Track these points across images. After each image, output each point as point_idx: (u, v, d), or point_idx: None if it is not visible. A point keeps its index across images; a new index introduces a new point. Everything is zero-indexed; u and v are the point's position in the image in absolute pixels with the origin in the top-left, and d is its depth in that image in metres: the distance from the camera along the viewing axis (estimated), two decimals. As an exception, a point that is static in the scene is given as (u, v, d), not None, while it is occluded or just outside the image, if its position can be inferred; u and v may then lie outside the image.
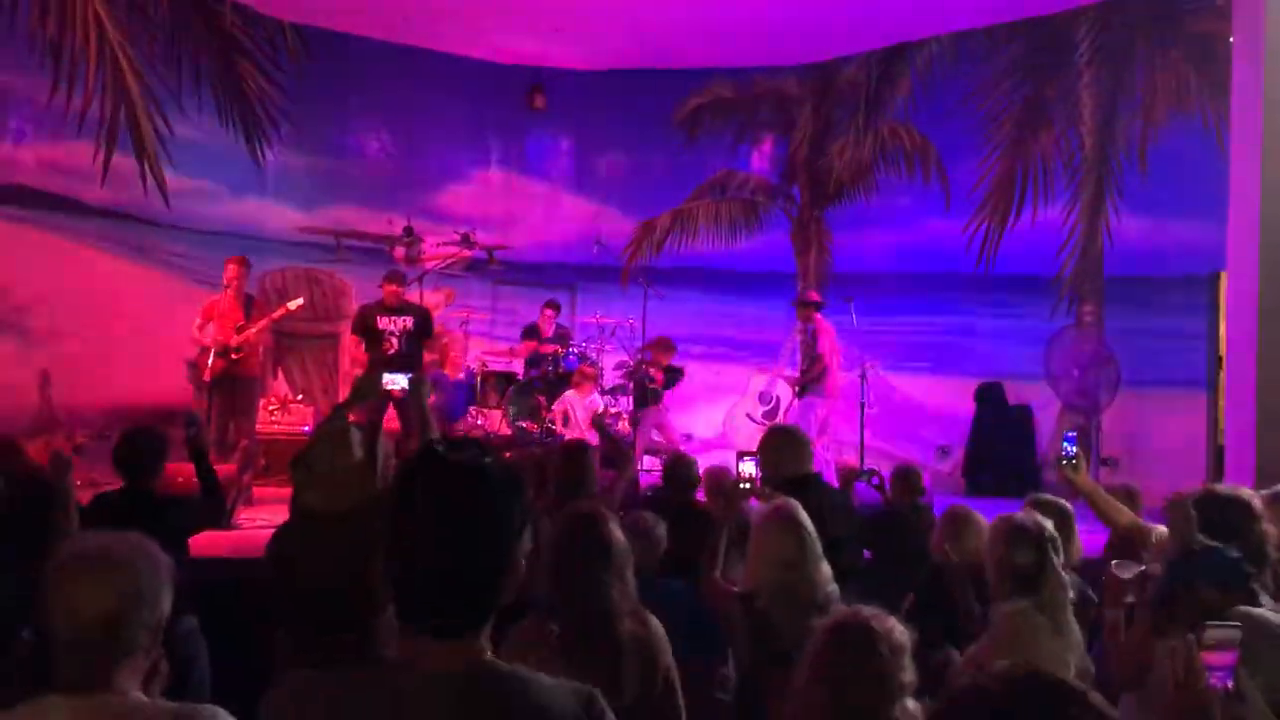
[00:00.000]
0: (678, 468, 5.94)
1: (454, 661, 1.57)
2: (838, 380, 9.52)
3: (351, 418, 4.39)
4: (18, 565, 3.91)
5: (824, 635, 2.61)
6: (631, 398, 10.28)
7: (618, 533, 3.25)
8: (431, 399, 5.01)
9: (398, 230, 12.15)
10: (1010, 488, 9.69)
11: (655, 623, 3.28)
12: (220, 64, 11.26)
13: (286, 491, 7.48)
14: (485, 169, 13.06)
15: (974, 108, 11.64)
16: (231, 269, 8.68)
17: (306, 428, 9.86)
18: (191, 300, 9.27)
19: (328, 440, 3.94)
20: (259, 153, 11.59)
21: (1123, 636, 3.29)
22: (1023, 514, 3.61)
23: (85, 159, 10.16)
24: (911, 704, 2.52)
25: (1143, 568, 3.37)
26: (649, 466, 9.57)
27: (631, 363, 10.39)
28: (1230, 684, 2.24)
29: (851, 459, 9.54)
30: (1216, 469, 9.11)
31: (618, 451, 5.70)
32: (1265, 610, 3.02)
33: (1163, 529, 4.30)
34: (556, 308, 11.07)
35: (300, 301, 9.02)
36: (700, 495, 5.92)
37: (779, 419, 10.16)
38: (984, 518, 4.68)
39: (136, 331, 9.96)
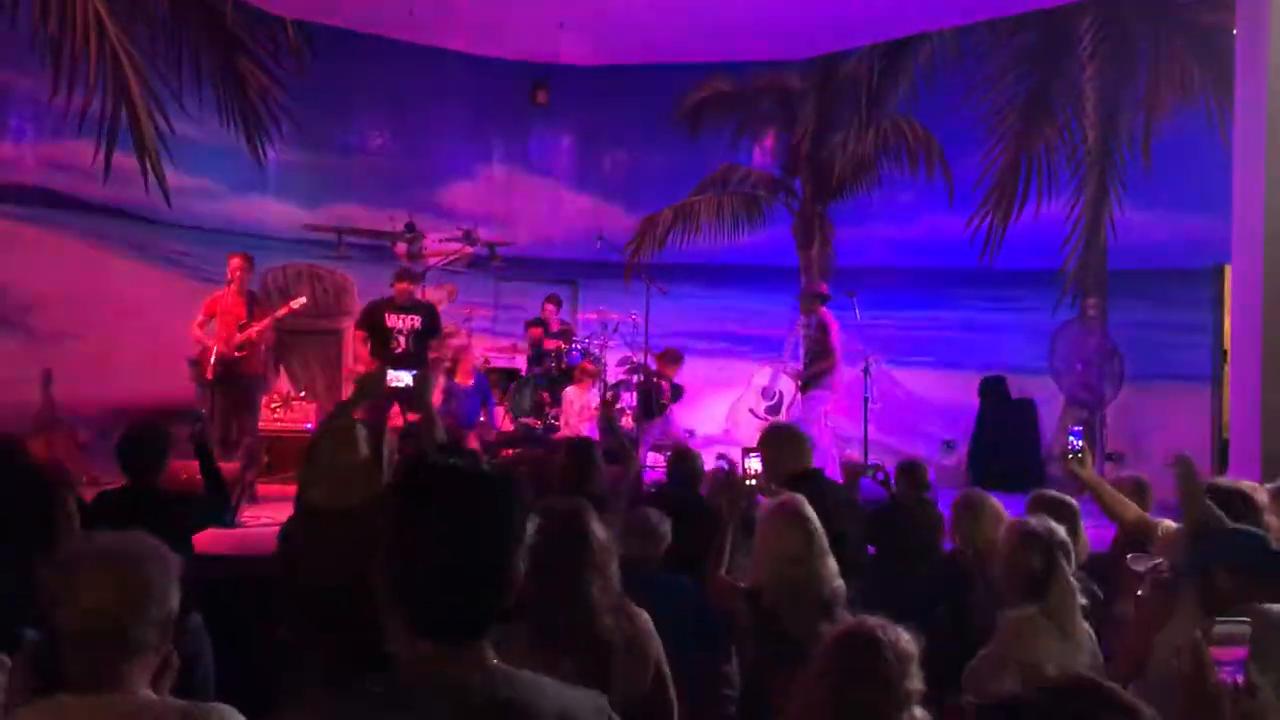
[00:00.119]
0: (681, 463, 5.93)
1: (465, 668, 1.57)
2: (842, 374, 9.52)
3: (357, 415, 4.38)
4: (18, 565, 3.91)
5: (830, 644, 2.61)
6: (638, 409, 10.26)
7: (598, 528, 3.23)
8: (437, 399, 5.02)
9: (399, 227, 12.14)
10: (1014, 482, 9.67)
11: (644, 617, 3.27)
12: (221, 61, 11.25)
13: (290, 489, 7.48)
14: (487, 165, 13.05)
15: (976, 101, 11.61)
16: (235, 265, 8.66)
17: (309, 425, 9.86)
18: (193, 298, 9.26)
19: (333, 437, 3.93)
20: (260, 150, 11.58)
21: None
22: (1034, 519, 3.60)
23: (86, 157, 10.15)
24: (920, 713, 2.51)
25: (1157, 561, 3.37)
26: (653, 463, 9.56)
27: (641, 376, 10.39)
28: (1240, 678, 2.23)
29: (855, 454, 9.53)
30: (1221, 463, 9.10)
31: (621, 447, 5.68)
32: (1276, 605, 3.00)
33: (1169, 523, 4.30)
34: (558, 302, 11.05)
35: (304, 300, 9.02)
36: (703, 490, 5.91)
37: (782, 414, 10.15)
38: (999, 503, 4.69)
39: (138, 329, 9.96)
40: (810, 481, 4.49)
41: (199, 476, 5.01)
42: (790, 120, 13.05)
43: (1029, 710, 1.31)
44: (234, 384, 8.38)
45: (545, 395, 10.31)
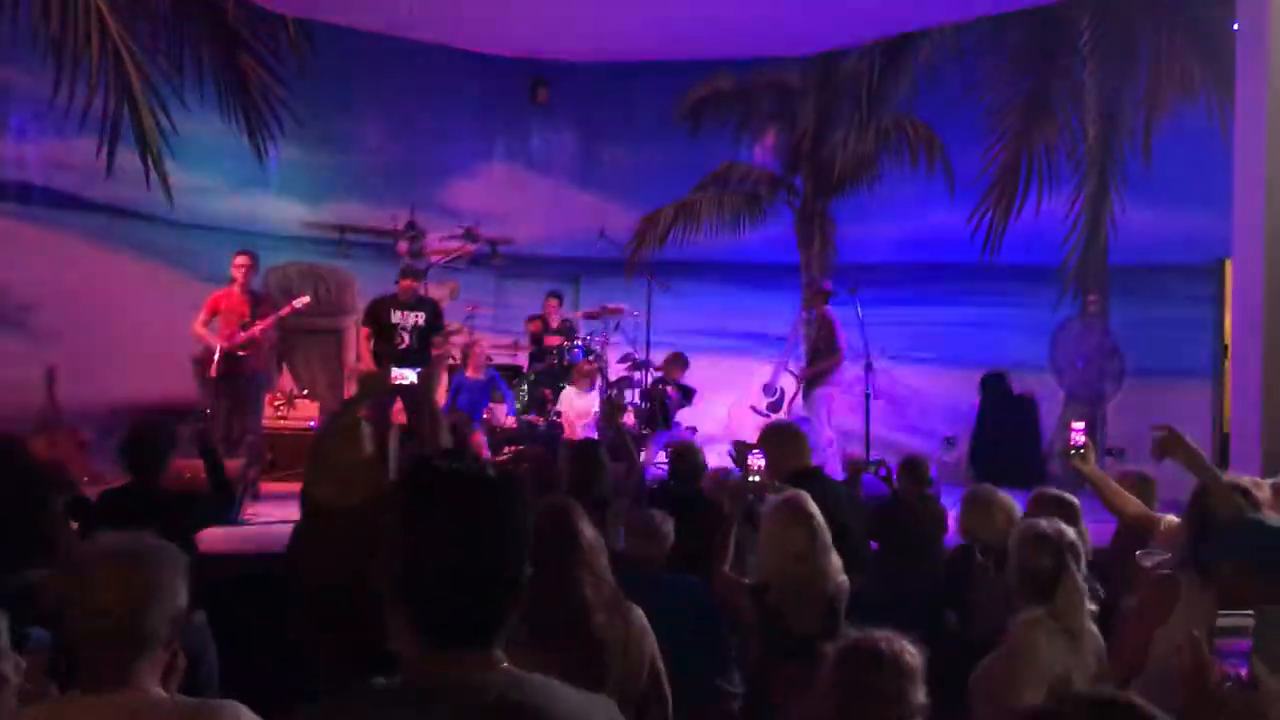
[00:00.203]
0: (683, 457, 5.94)
1: (472, 671, 1.56)
2: (844, 371, 9.54)
3: (361, 413, 4.39)
4: (18, 565, 3.94)
5: (836, 659, 2.62)
6: (647, 415, 10.29)
7: (587, 526, 3.25)
8: (441, 396, 5.04)
9: (401, 225, 12.15)
10: (1015, 479, 9.67)
11: (638, 615, 3.29)
12: (223, 59, 11.25)
13: (293, 487, 7.48)
14: (488, 163, 13.05)
15: (977, 98, 11.61)
16: (239, 264, 8.66)
17: (312, 423, 9.87)
18: (195, 296, 9.27)
19: (338, 435, 3.94)
20: (262, 148, 11.58)
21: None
22: (1044, 521, 3.61)
23: (88, 155, 10.16)
24: None
25: (1166, 556, 3.38)
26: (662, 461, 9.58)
27: (645, 380, 10.40)
28: (1244, 670, 2.24)
29: (856, 450, 9.54)
30: (1221, 458, 9.10)
31: (624, 446, 5.70)
32: None
33: (1171, 518, 4.31)
34: (559, 299, 11.05)
35: (307, 299, 9.03)
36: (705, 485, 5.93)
37: (784, 411, 10.15)
38: (1009, 498, 4.70)
39: (141, 328, 9.96)
40: (812, 478, 4.50)
41: (202, 475, 5.02)
42: (791, 118, 13.05)
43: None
44: (237, 382, 8.40)
45: (547, 392, 10.32)
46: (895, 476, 6.15)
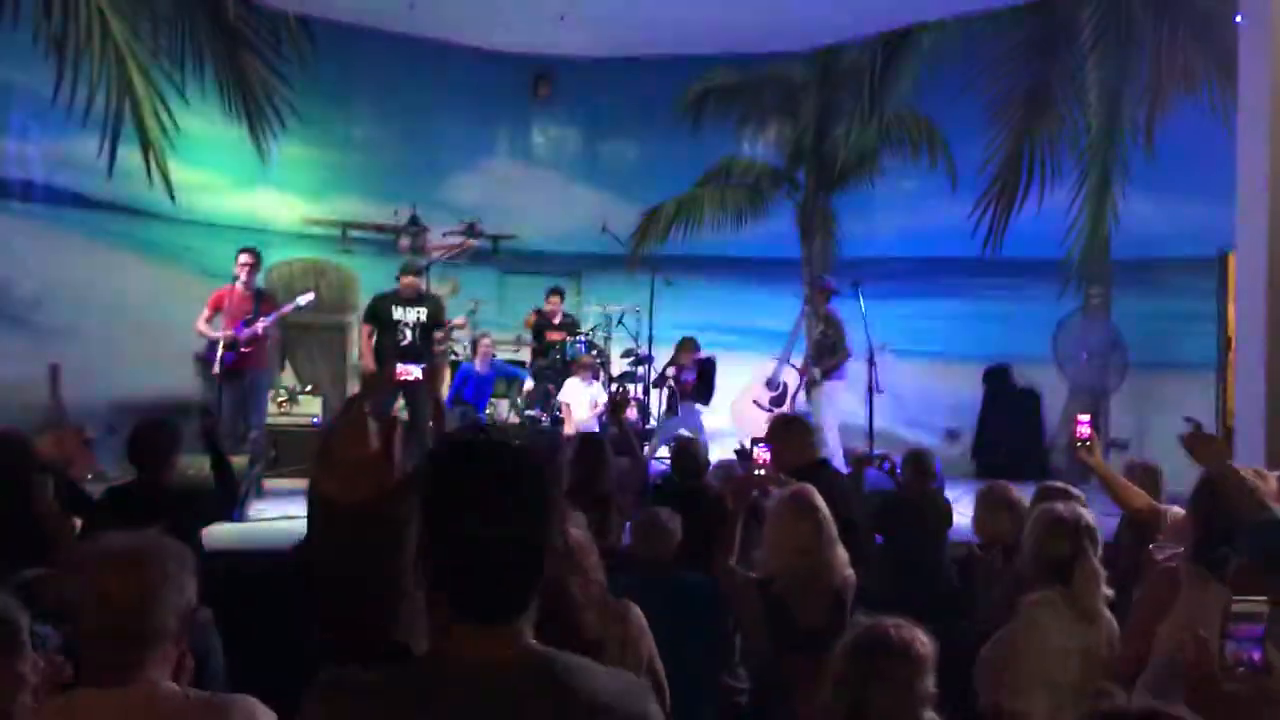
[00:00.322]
0: (685, 453, 5.94)
1: (503, 649, 1.54)
2: (848, 365, 9.56)
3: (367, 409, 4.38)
4: (16, 560, 3.94)
5: (847, 646, 2.63)
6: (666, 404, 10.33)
7: (575, 525, 3.25)
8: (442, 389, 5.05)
9: (403, 221, 12.15)
10: (1018, 472, 9.68)
11: (636, 613, 3.29)
12: (224, 56, 11.25)
13: (296, 483, 7.50)
14: (490, 158, 13.04)
15: (979, 91, 11.59)
16: (243, 261, 8.65)
17: (315, 419, 9.88)
18: (198, 293, 9.28)
19: (344, 431, 3.94)
20: (264, 144, 11.58)
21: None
22: (1062, 505, 3.61)
23: (90, 153, 10.16)
24: (930, 715, 2.53)
25: (1179, 549, 3.38)
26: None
27: (661, 372, 10.41)
28: (1257, 656, 2.24)
29: (859, 444, 9.53)
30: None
31: (627, 442, 5.70)
32: None
33: (1178, 510, 4.31)
34: (561, 295, 11.03)
35: (311, 297, 9.01)
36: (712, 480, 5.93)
37: (787, 406, 10.15)
38: (1024, 498, 4.70)
39: (144, 325, 9.98)
40: (818, 472, 4.50)
41: (205, 472, 5.03)
42: (793, 112, 13.03)
43: None
44: (240, 379, 8.39)
45: (550, 388, 10.31)
46: (900, 470, 6.14)
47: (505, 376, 10.44)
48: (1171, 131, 10.42)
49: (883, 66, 12.31)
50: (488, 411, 10.24)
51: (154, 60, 10.63)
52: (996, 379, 11.27)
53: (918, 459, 5.98)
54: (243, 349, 8.36)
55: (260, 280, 9.24)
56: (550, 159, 13.34)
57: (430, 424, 6.07)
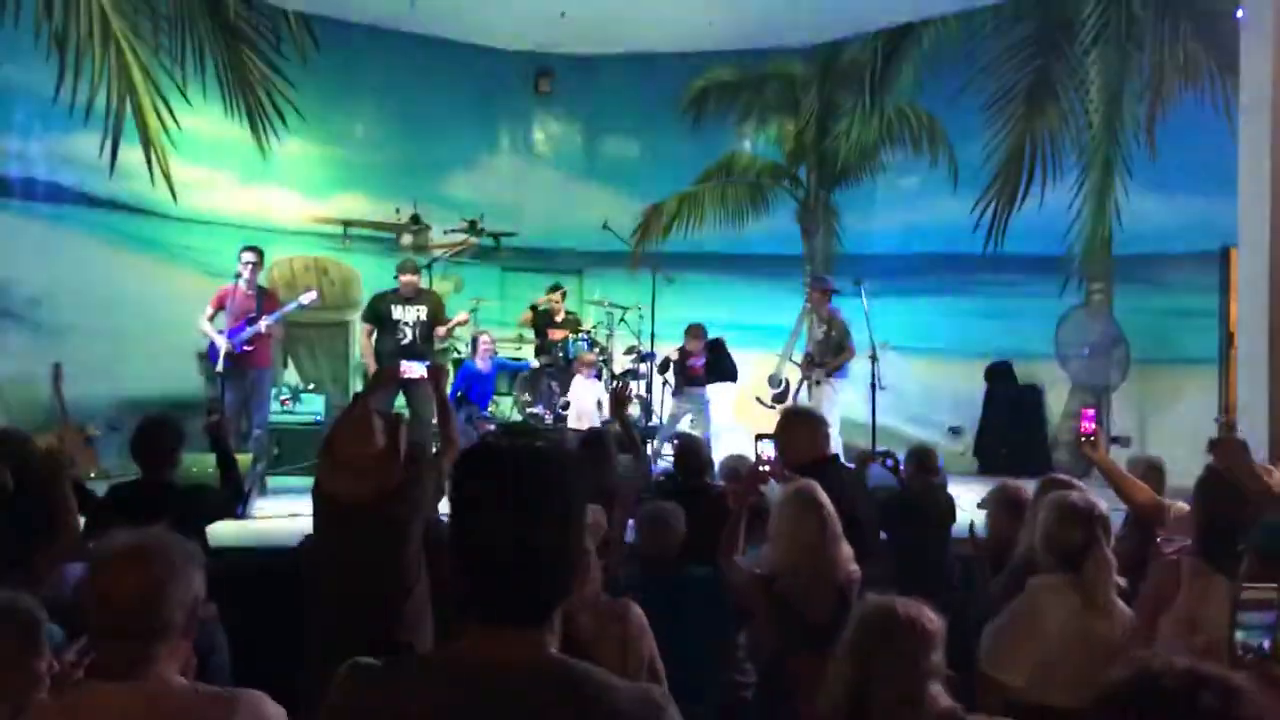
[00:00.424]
0: (689, 452, 5.94)
1: (517, 653, 1.53)
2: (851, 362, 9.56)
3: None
4: (21, 560, 3.95)
5: (857, 620, 2.64)
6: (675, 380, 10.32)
7: None
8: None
9: (404, 218, 12.14)
10: (1021, 467, 9.69)
11: (635, 612, 3.29)
12: (225, 54, 11.25)
13: (299, 480, 7.49)
14: (491, 155, 13.05)
15: (980, 87, 11.59)
16: (246, 259, 8.65)
17: (318, 417, 9.88)
18: (200, 290, 9.28)
19: (349, 428, 3.94)
20: (265, 142, 11.57)
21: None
22: (1076, 493, 3.62)
23: (92, 151, 10.18)
24: (938, 688, 2.54)
25: (1187, 542, 3.39)
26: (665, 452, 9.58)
27: (665, 359, 10.40)
28: (1267, 643, 2.25)
29: (862, 441, 9.53)
30: (1228, 446, 9.09)
31: (630, 439, 5.69)
32: None
33: (1181, 504, 4.31)
34: (563, 292, 11.02)
35: (314, 295, 8.98)
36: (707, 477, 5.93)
37: (789, 402, 10.14)
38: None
39: (146, 322, 9.99)
40: (825, 468, 4.50)
41: (206, 471, 5.03)
42: (794, 108, 13.03)
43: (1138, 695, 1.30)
44: (243, 377, 8.39)
45: (553, 385, 10.30)
46: (903, 467, 6.14)
47: (508, 371, 10.44)
48: (1173, 127, 10.42)
49: (884, 62, 12.30)
50: (490, 410, 10.23)
51: (155, 58, 10.63)
52: (998, 375, 11.27)
53: (921, 455, 5.98)
54: (245, 347, 8.35)
55: (262, 278, 9.23)
56: (551, 156, 13.34)
57: (435, 422, 6.07)
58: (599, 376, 10.15)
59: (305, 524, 4.10)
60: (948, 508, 5.76)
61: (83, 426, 9.05)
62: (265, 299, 8.67)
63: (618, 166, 13.27)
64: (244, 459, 6.92)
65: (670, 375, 10.33)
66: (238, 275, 8.54)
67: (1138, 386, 10.50)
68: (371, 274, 11.28)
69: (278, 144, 11.66)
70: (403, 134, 12.45)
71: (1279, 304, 7.08)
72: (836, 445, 9.16)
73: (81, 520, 4.44)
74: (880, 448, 7.91)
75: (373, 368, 8.77)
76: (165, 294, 10.23)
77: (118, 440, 9.12)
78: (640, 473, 5.72)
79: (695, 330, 10.25)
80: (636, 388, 10.48)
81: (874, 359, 9.24)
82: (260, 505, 7.70)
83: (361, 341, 9.43)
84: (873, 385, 9.19)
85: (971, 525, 4.93)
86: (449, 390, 10.06)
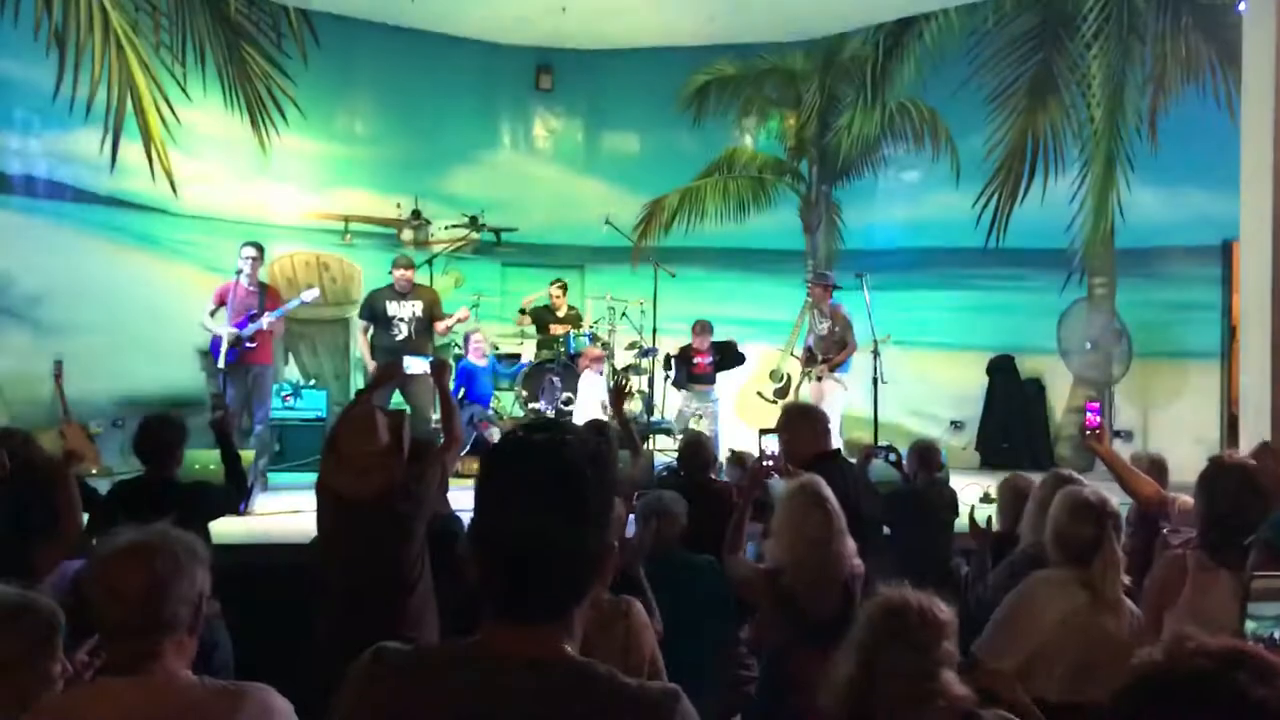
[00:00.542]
0: (692, 448, 5.94)
1: (528, 650, 1.52)
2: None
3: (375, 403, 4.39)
4: (23, 557, 3.95)
5: (868, 611, 2.64)
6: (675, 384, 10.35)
7: None
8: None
9: (405, 214, 12.14)
10: (1023, 461, 9.70)
11: (636, 609, 3.29)
12: (225, 50, 11.23)
13: (302, 477, 7.49)
14: (492, 150, 13.03)
15: (982, 81, 11.58)
16: (247, 255, 8.63)
17: (319, 413, 9.88)
18: (201, 287, 9.28)
19: (353, 426, 3.94)
20: (265, 138, 11.56)
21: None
22: (1088, 489, 3.61)
23: (92, 148, 10.17)
24: (951, 675, 2.53)
25: (1193, 534, 3.39)
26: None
27: (668, 356, 10.41)
28: (1278, 635, 2.24)
29: (864, 435, 9.53)
30: (1230, 439, 9.10)
31: (629, 434, 5.69)
32: None
33: (1185, 498, 4.30)
34: (564, 287, 11.00)
35: (316, 293, 8.95)
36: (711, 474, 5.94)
37: (790, 397, 10.14)
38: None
39: (148, 319, 9.99)
40: (829, 463, 4.50)
41: (206, 469, 5.04)
42: (795, 102, 13.01)
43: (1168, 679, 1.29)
44: (245, 373, 8.38)
45: (554, 380, 10.29)
46: (906, 461, 6.15)
47: (506, 371, 10.44)
48: (1175, 120, 10.42)
49: (885, 56, 12.28)
50: (492, 406, 10.23)
51: (155, 55, 10.62)
52: (1000, 369, 11.27)
53: (924, 450, 5.98)
54: (247, 344, 8.34)
55: (263, 274, 9.22)
56: (552, 151, 13.32)
57: (438, 418, 6.07)
58: (602, 372, 10.15)
59: (307, 520, 4.11)
60: (950, 502, 5.76)
61: (85, 423, 9.07)
62: (266, 294, 8.65)
63: (619, 161, 13.26)
64: (246, 455, 6.91)
65: (673, 371, 10.33)
66: (239, 271, 8.51)
67: (1140, 380, 10.50)
68: (372, 270, 11.25)
69: (278, 140, 11.64)
70: (403, 129, 12.43)
71: (1281, 297, 7.07)
72: (837, 440, 9.18)
73: (84, 517, 4.44)
74: (882, 442, 7.91)
75: (371, 364, 8.74)
76: (166, 290, 10.24)
77: (119, 437, 9.16)
78: (640, 468, 5.72)
79: (701, 327, 10.25)
80: (638, 383, 10.48)
81: (876, 353, 9.23)
82: (262, 501, 7.69)
83: (359, 339, 9.42)
84: (875, 380, 9.19)
85: (972, 514, 4.93)
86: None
